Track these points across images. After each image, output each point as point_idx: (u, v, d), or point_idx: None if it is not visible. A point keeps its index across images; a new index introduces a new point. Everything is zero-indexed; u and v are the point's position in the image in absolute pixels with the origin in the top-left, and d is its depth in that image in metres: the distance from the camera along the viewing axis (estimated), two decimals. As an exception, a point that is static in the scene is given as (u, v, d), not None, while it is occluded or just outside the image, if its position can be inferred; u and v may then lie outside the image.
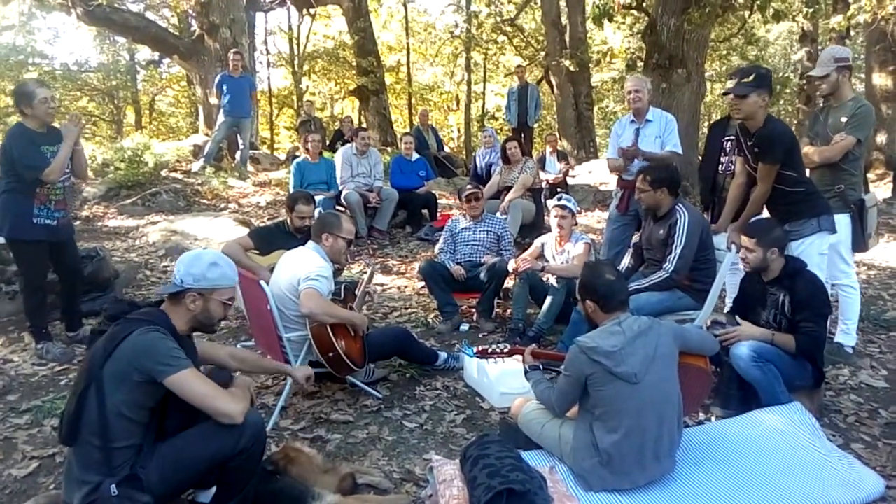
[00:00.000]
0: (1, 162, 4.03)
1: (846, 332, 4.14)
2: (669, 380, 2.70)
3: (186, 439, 2.32)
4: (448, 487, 2.52)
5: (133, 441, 2.25)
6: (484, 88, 23.43)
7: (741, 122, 3.80)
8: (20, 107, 4.06)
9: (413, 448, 3.19)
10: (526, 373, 3.11)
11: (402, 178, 7.88)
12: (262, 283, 3.43)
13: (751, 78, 3.62)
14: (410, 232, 7.74)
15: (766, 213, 3.94)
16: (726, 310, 3.98)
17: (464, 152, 19.09)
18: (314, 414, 3.52)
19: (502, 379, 3.60)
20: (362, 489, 2.76)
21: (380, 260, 6.69)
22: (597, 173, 10.92)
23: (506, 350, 3.33)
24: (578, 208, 5.35)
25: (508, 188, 6.89)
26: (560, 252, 4.78)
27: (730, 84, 3.81)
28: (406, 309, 5.36)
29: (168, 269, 6.08)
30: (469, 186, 5.49)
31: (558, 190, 8.28)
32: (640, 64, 9.66)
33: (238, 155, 10.01)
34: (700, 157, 5.54)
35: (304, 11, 17.95)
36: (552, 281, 4.58)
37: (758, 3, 7.85)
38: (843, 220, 3.89)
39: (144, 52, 19.11)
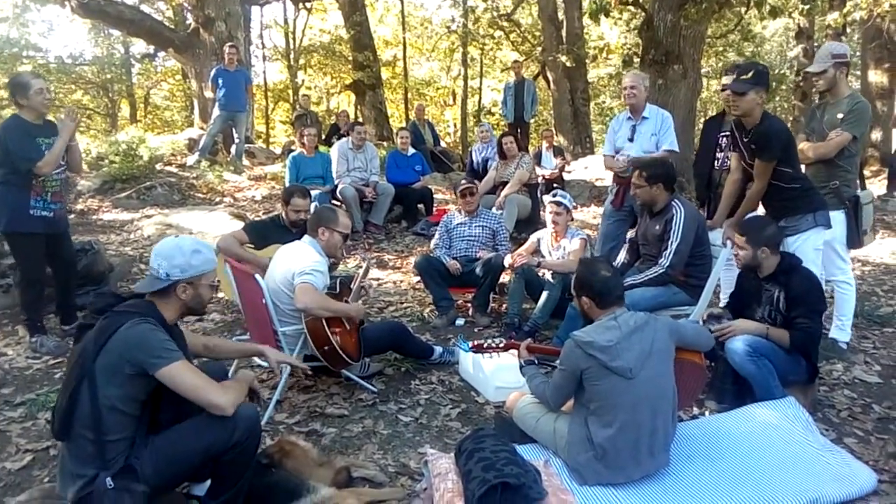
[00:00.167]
0: None
1: (841, 328, 4.16)
2: (665, 375, 2.71)
3: (180, 432, 2.31)
4: (443, 481, 2.53)
5: (126, 433, 2.24)
6: (480, 83, 23.40)
7: (737, 118, 3.80)
8: (15, 98, 4.05)
9: (408, 442, 3.19)
10: (521, 367, 3.12)
11: (398, 172, 7.88)
12: (257, 276, 3.43)
13: (749, 75, 3.61)
14: (406, 227, 7.74)
15: (761, 210, 3.95)
16: (721, 304, 3.99)
17: (460, 147, 19.07)
18: (309, 407, 3.52)
19: (497, 373, 3.60)
20: (357, 482, 2.76)
21: (375, 254, 6.69)
22: (593, 169, 10.92)
23: (501, 345, 3.33)
24: (574, 204, 5.35)
25: (504, 183, 6.89)
26: (556, 248, 4.79)
27: (727, 80, 3.81)
28: (402, 303, 5.36)
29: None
30: (464, 181, 5.48)
31: (554, 185, 8.29)
32: (636, 60, 9.65)
33: (233, 149, 9.98)
34: (695, 154, 5.55)
35: (300, 5, 17.88)
36: (548, 276, 4.59)
37: (754, -1, 7.85)
38: (837, 217, 3.90)
39: (139, 46, 18.94)
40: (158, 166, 9.41)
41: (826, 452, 2.85)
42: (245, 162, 10.31)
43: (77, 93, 22.13)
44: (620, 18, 14.37)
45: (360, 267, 4.35)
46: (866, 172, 10.93)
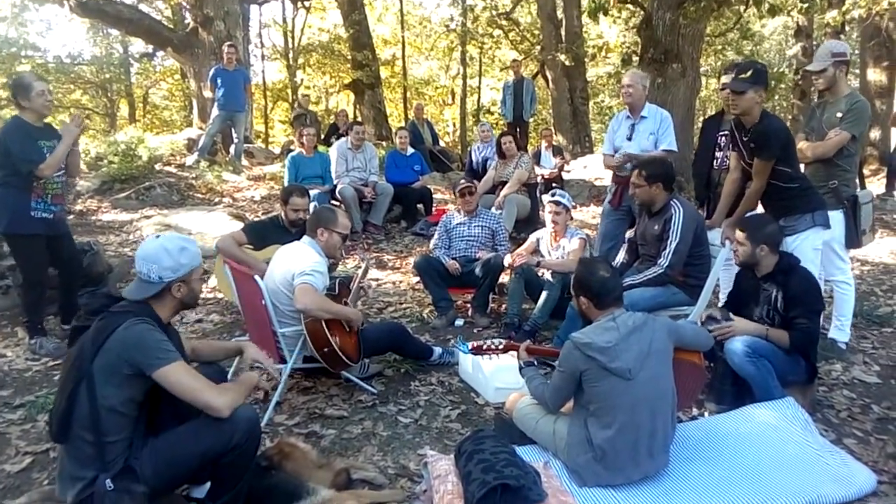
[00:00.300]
0: None
1: (840, 328, 4.16)
2: (664, 376, 2.71)
3: (180, 434, 2.31)
4: (442, 482, 2.53)
5: (125, 434, 2.24)
6: (479, 83, 23.37)
7: (736, 117, 3.80)
8: (17, 99, 4.06)
9: (408, 443, 3.19)
10: (520, 368, 3.11)
11: (397, 172, 7.87)
12: (256, 277, 3.42)
13: (748, 74, 3.61)
14: (405, 227, 7.73)
15: (760, 209, 3.95)
16: (720, 304, 3.99)
17: (459, 147, 19.07)
18: (309, 409, 3.51)
19: (497, 374, 3.60)
20: (357, 484, 2.76)
21: (374, 255, 6.68)
22: (592, 168, 10.91)
23: (501, 346, 3.32)
24: (573, 203, 5.35)
25: (503, 183, 6.89)
26: (555, 247, 4.79)
27: (726, 79, 3.81)
28: (401, 304, 5.35)
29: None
30: (463, 181, 5.48)
31: (553, 185, 8.28)
32: (635, 59, 9.65)
33: (232, 149, 9.97)
34: (694, 153, 5.54)
35: (299, 4, 17.88)
36: (547, 276, 4.59)
37: (753, -3, 7.86)
38: (836, 217, 3.89)
39: (138, 45, 18.93)
40: (157, 166, 9.40)
41: (825, 453, 2.85)
42: (244, 162, 10.30)
43: (76, 92, 22.14)
44: (619, 17, 14.37)
45: (359, 267, 4.35)
46: (865, 171, 10.95)
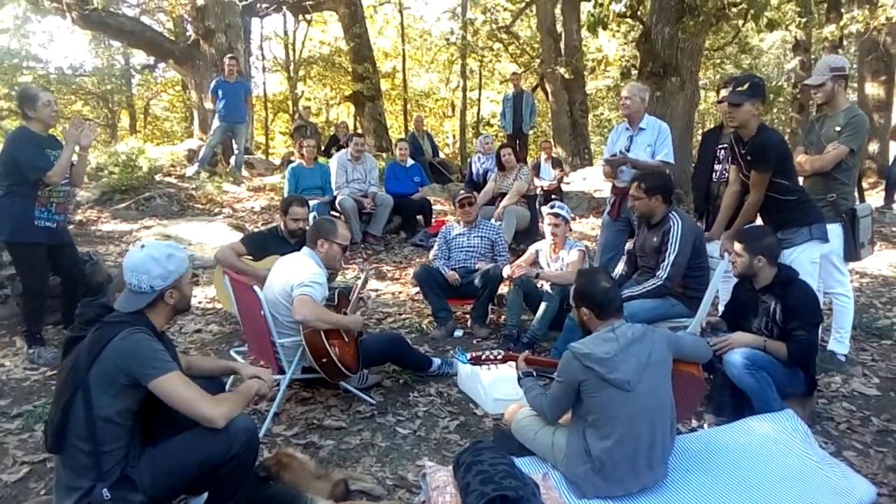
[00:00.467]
0: (1, 164, 4.03)
1: (839, 341, 4.16)
2: (663, 387, 2.71)
3: (178, 444, 2.30)
4: (441, 494, 2.52)
5: (121, 444, 2.24)
6: (479, 95, 23.46)
7: (735, 130, 3.82)
8: (24, 109, 4.09)
9: (406, 454, 3.18)
10: (519, 379, 3.11)
11: (396, 183, 7.90)
12: (255, 288, 3.42)
13: (745, 87, 3.64)
14: (405, 238, 7.74)
15: (759, 222, 3.96)
16: (719, 316, 3.99)
17: (459, 158, 19.11)
18: (307, 420, 3.51)
19: (496, 385, 3.59)
20: (355, 495, 2.75)
21: (374, 265, 6.69)
22: (591, 180, 10.94)
23: (499, 356, 3.31)
24: (572, 215, 5.37)
25: (503, 195, 6.91)
26: (554, 259, 4.79)
27: (724, 92, 3.83)
28: (400, 315, 5.35)
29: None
30: (462, 192, 5.50)
31: (553, 197, 8.29)
32: (634, 72, 9.70)
33: (233, 160, 10.00)
34: (693, 166, 5.56)
35: (300, 17, 17.97)
36: (546, 287, 4.59)
37: (751, 12, 7.89)
38: (834, 230, 3.90)
39: (139, 57, 19.02)
40: (158, 177, 9.42)
41: (825, 465, 2.84)
42: (244, 173, 10.32)
43: (77, 103, 22.18)
44: (618, 31, 14.50)
45: (359, 278, 4.35)
46: (864, 184, 10.97)
